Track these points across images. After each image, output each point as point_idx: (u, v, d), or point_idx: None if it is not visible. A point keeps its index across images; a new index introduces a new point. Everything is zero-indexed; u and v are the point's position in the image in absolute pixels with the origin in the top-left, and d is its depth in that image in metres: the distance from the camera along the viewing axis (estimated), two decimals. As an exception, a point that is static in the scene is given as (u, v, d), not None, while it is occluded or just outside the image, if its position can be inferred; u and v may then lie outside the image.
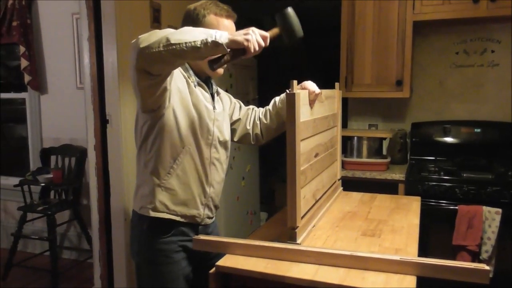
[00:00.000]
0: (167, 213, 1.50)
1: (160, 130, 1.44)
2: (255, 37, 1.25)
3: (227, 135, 1.65)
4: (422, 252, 1.42)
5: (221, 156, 1.62)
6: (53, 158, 3.47)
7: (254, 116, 1.79)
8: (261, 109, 1.82)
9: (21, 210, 3.20)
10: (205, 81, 1.59)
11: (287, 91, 1.27)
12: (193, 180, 1.52)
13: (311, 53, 6.50)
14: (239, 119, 1.76)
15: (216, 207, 1.67)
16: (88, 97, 2.58)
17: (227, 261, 1.34)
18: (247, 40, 1.24)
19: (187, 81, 1.50)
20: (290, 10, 1.35)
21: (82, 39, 2.56)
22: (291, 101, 1.27)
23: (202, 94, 1.54)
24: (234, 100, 1.79)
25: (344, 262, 1.26)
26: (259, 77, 4.27)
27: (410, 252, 1.38)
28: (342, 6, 2.82)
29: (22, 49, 3.42)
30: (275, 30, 1.41)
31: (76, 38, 3.37)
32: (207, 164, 1.55)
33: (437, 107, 3.00)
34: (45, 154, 3.48)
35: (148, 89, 1.33)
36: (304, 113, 1.40)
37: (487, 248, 2.27)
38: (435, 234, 2.39)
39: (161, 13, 2.79)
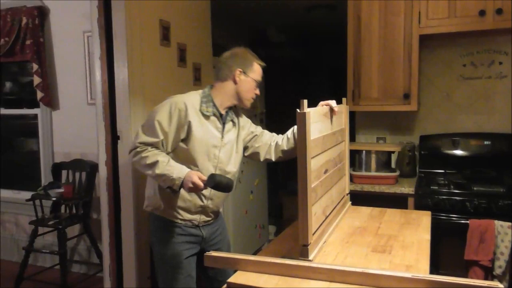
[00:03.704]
0: (165, 215, 1.89)
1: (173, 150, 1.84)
2: (195, 189, 1.70)
3: (232, 165, 1.92)
4: (433, 267, 1.42)
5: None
6: (64, 172, 3.50)
7: (273, 147, 1.98)
8: (280, 137, 2.00)
9: (33, 224, 3.24)
10: (226, 111, 1.91)
11: (298, 110, 1.29)
12: (195, 195, 1.86)
13: (318, 67, 6.54)
14: (254, 145, 2.01)
15: (214, 213, 1.98)
16: (99, 113, 2.62)
17: (239, 278, 1.35)
18: (189, 189, 1.73)
19: (202, 114, 1.82)
20: (216, 179, 1.71)
21: (94, 57, 2.60)
22: (301, 120, 1.29)
23: (213, 123, 1.85)
24: (253, 128, 2.03)
25: (356, 279, 1.27)
26: (266, 91, 4.31)
27: (421, 268, 1.38)
28: (347, 21, 2.84)
29: (35, 66, 3.49)
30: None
31: (87, 55, 3.43)
32: None
33: (445, 120, 3.00)
34: (56, 168, 3.53)
35: None
36: (314, 131, 1.42)
37: (501, 263, 2.24)
38: (446, 249, 2.37)
39: (170, 31, 2.84)
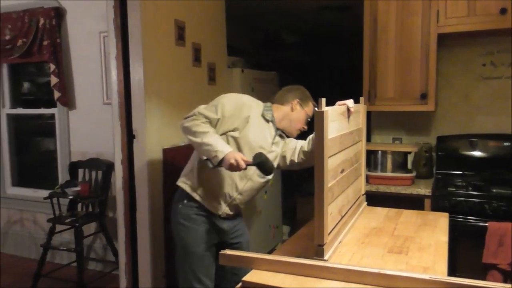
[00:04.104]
0: (198, 195, 1.99)
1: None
2: (237, 168, 1.76)
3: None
4: (450, 270, 1.40)
5: (258, 179, 2.01)
6: (80, 171, 3.55)
7: (298, 149, 2.06)
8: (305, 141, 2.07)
9: (50, 222, 3.29)
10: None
11: (315, 109, 1.29)
12: (227, 183, 1.96)
13: (333, 66, 6.51)
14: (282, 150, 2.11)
15: (237, 209, 2.07)
16: (115, 113, 2.65)
17: (254, 276, 1.35)
18: (231, 168, 1.77)
19: (263, 118, 2.00)
20: (263, 157, 1.77)
21: (110, 57, 2.63)
22: (319, 119, 1.28)
23: (269, 129, 2.01)
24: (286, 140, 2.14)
25: (372, 280, 1.25)
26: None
27: (438, 270, 1.36)
28: (364, 20, 2.82)
29: (52, 66, 3.54)
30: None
31: (103, 55, 3.47)
32: (245, 177, 1.98)
33: (463, 120, 2.94)
34: (73, 167, 3.57)
35: None
36: (331, 130, 1.40)
37: (520, 266, 2.19)
38: (463, 252, 2.32)
39: (185, 31, 2.86)
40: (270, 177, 2.02)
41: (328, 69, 6.60)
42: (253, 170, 1.97)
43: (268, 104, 2.07)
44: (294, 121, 2.05)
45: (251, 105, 1.99)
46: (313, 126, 1.35)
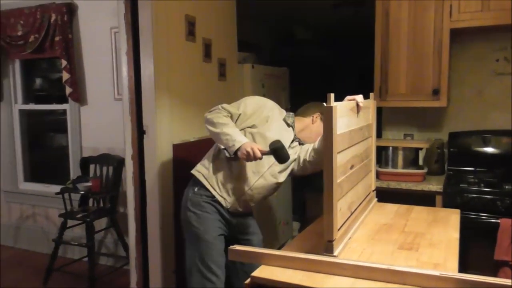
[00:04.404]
0: (210, 184, 2.03)
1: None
2: (253, 157, 1.82)
3: (283, 175, 2.08)
4: (461, 267, 1.38)
5: (271, 178, 2.03)
6: (92, 167, 3.58)
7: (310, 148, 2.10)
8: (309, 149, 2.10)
9: (62, 217, 3.33)
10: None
11: (324, 104, 1.28)
12: (239, 177, 2.00)
13: (344, 64, 6.46)
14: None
15: (246, 206, 2.08)
16: (126, 108, 2.66)
17: (263, 272, 1.35)
18: (247, 158, 1.83)
19: (284, 121, 2.09)
20: (279, 144, 1.81)
21: (120, 52, 2.64)
22: (328, 114, 1.27)
23: (288, 133, 2.07)
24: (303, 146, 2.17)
25: (381, 276, 1.25)
26: (291, 87, 4.29)
27: (449, 267, 1.35)
28: (376, 15, 2.79)
29: (64, 62, 3.57)
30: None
31: (114, 51, 3.49)
32: (258, 173, 2.00)
33: (476, 117, 2.90)
34: (85, 163, 3.61)
35: None
36: (340, 126, 1.39)
37: (532, 264, 2.17)
38: (475, 249, 2.30)
39: (196, 27, 2.86)
40: (281, 179, 2.06)
41: (342, 65, 6.55)
42: (266, 168, 1.99)
43: (291, 113, 2.16)
44: (314, 133, 2.10)
45: (273, 108, 2.08)
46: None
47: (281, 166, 2.02)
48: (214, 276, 2.00)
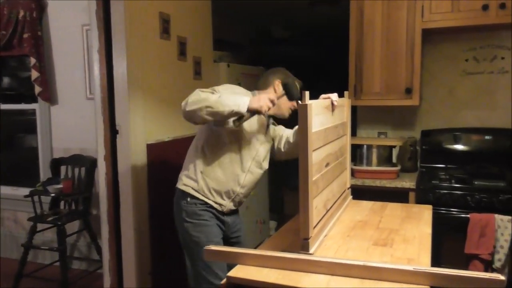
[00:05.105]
0: (202, 195, 1.94)
1: (219, 137, 1.92)
2: (265, 102, 1.72)
3: (266, 162, 2.06)
4: (434, 261, 1.41)
5: (257, 170, 2.02)
6: (63, 168, 3.48)
7: (284, 137, 2.09)
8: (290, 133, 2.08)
9: (32, 220, 3.22)
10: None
11: (299, 102, 1.27)
12: (230, 178, 1.95)
13: (325, 61, 6.51)
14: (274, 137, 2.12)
15: (239, 203, 2.07)
16: (98, 108, 2.60)
17: (239, 272, 1.34)
18: (261, 106, 1.72)
19: None
20: (291, 82, 1.85)
21: (92, 50, 2.58)
22: (303, 112, 1.27)
23: (260, 120, 1.98)
24: (276, 127, 2.14)
25: (357, 273, 1.25)
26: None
27: (423, 262, 1.37)
28: (350, 15, 2.82)
29: (32, 60, 3.46)
30: (280, 94, 1.89)
31: (86, 49, 3.41)
32: (245, 171, 1.97)
33: (447, 115, 2.98)
34: (55, 164, 3.50)
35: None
36: (315, 124, 1.40)
37: (500, 256, 2.24)
38: (446, 243, 2.36)
39: (170, 24, 2.82)
40: (266, 166, 2.05)
41: (319, 64, 6.59)
42: (250, 162, 1.97)
43: (255, 92, 2.03)
44: (280, 102, 1.94)
45: (243, 95, 1.93)
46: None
47: (263, 154, 2.01)
48: (220, 281, 1.96)
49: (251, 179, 2.02)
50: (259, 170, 2.03)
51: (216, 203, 1.97)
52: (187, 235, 1.98)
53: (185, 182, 1.99)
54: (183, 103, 1.78)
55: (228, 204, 2.01)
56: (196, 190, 1.96)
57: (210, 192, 1.95)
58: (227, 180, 1.95)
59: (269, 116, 2.05)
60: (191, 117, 1.77)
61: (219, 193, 1.96)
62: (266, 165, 2.06)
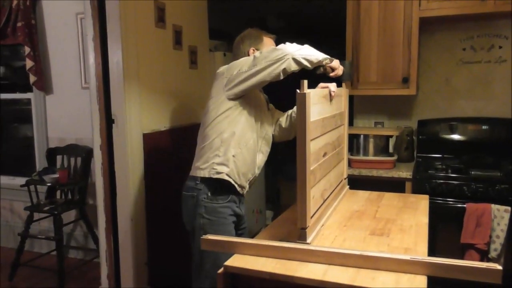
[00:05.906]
0: (233, 179, 1.85)
1: (237, 117, 1.84)
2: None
3: (270, 132, 2.03)
4: (430, 251, 1.41)
5: (266, 149, 2.00)
6: (59, 158, 3.47)
7: (276, 120, 2.07)
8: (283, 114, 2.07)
9: (28, 210, 3.21)
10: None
11: (298, 91, 1.26)
12: (251, 161, 1.90)
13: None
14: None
15: (252, 185, 2.02)
16: (93, 97, 2.58)
17: (236, 261, 1.34)
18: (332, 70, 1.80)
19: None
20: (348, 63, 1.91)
21: (87, 39, 2.55)
22: (301, 101, 1.26)
23: (264, 98, 2.00)
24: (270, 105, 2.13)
25: (354, 262, 1.26)
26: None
27: (419, 251, 1.37)
28: (347, 4, 2.80)
29: (27, 49, 3.42)
30: (340, 72, 1.87)
31: (80, 38, 3.37)
32: (259, 151, 1.95)
33: (444, 105, 2.97)
34: (51, 154, 3.49)
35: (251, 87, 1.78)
36: (313, 113, 1.39)
37: (496, 246, 2.25)
38: (443, 233, 2.37)
39: (166, 13, 2.78)
40: (270, 141, 2.03)
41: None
42: (261, 142, 1.94)
43: None
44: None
45: None
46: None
47: (270, 133, 2.00)
48: None
49: (263, 160, 1.98)
50: (268, 149, 2.00)
51: (239, 186, 1.89)
52: (201, 230, 1.86)
53: (219, 170, 1.84)
54: (262, 58, 1.71)
55: (247, 187, 1.96)
56: (229, 176, 1.84)
57: (239, 176, 1.87)
58: (250, 163, 1.89)
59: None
60: (277, 67, 1.68)
61: (245, 176, 1.90)
62: (270, 140, 2.03)
